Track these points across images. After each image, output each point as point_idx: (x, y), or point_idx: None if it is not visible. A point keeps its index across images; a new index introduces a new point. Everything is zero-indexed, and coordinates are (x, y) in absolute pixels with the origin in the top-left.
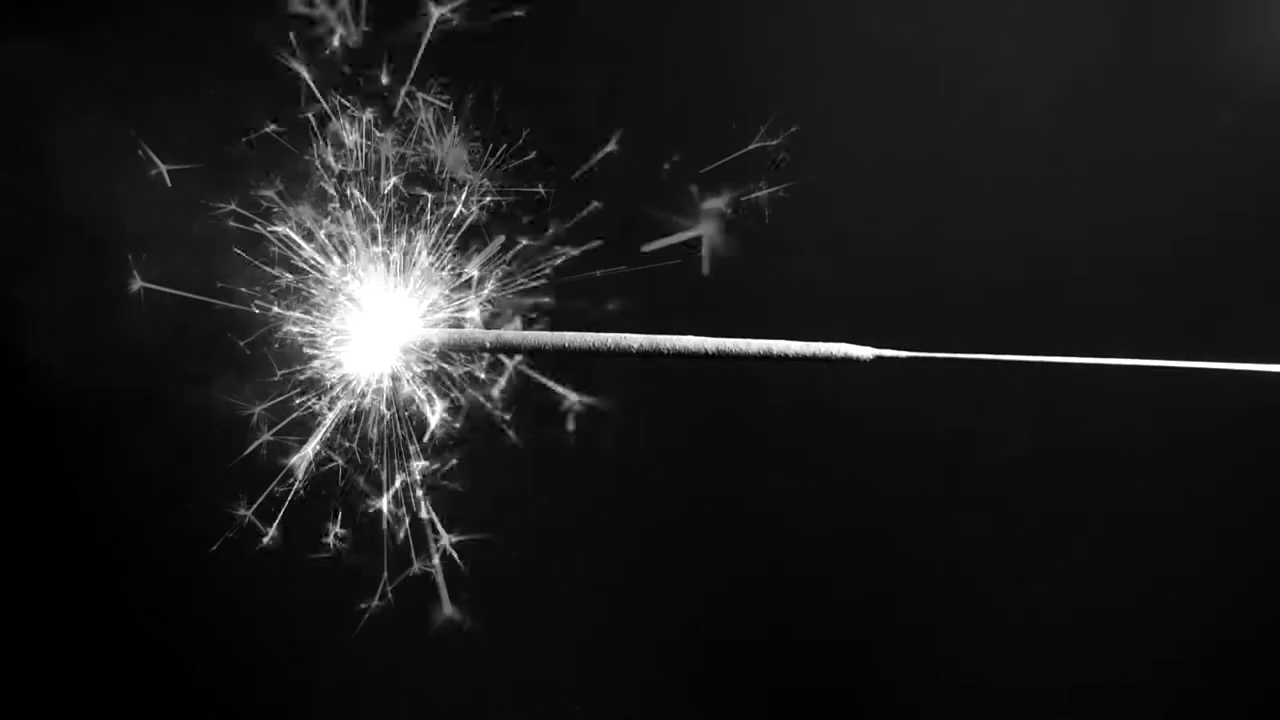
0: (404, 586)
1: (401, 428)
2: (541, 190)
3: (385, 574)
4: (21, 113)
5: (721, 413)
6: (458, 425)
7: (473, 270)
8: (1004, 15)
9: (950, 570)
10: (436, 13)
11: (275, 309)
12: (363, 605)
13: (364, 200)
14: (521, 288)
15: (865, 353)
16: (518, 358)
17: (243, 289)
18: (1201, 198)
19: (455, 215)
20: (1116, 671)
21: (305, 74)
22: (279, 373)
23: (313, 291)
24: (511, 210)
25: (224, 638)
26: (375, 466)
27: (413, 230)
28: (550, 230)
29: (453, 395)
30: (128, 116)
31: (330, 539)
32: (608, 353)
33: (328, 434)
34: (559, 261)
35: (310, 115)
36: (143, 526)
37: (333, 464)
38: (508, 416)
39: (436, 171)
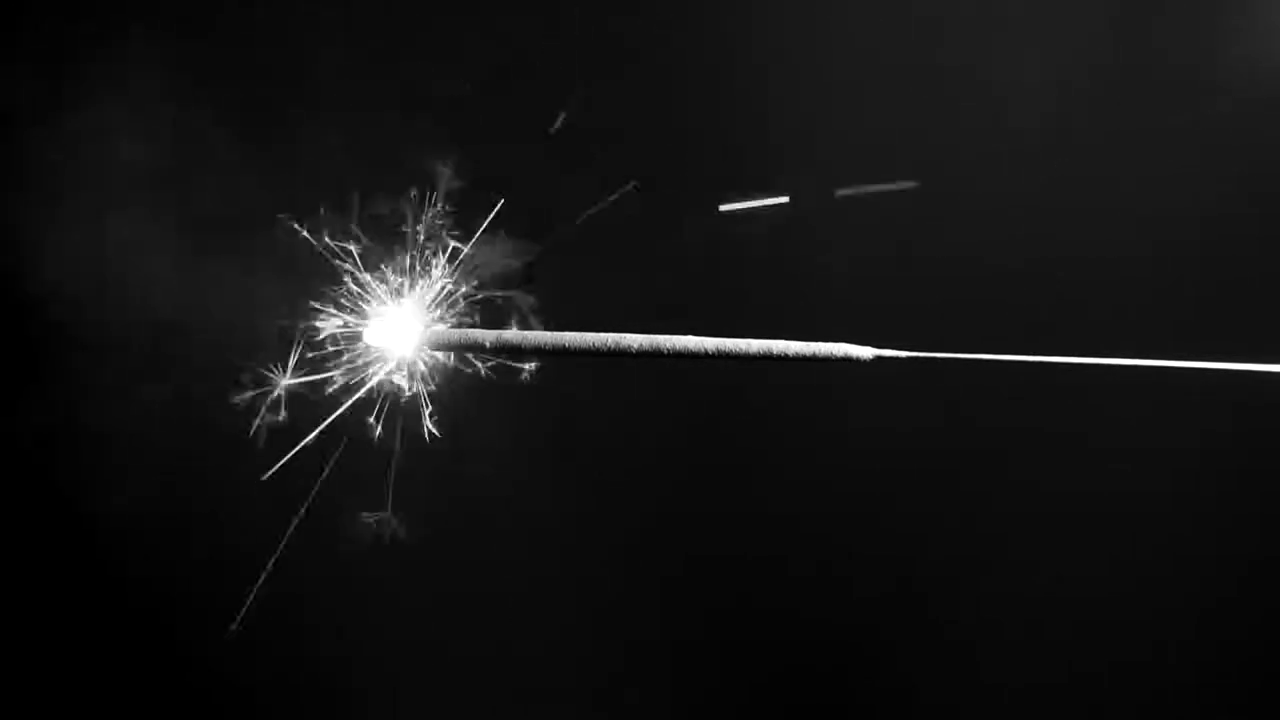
0: None
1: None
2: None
3: None
4: None
5: (722, 412)
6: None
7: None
8: (1003, 17)
9: (951, 568)
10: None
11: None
12: None
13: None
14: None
15: (865, 353)
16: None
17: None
18: (1201, 198)
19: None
20: (1115, 667)
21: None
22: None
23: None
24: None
25: None
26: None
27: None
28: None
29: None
30: None
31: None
32: (608, 352)
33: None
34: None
35: None
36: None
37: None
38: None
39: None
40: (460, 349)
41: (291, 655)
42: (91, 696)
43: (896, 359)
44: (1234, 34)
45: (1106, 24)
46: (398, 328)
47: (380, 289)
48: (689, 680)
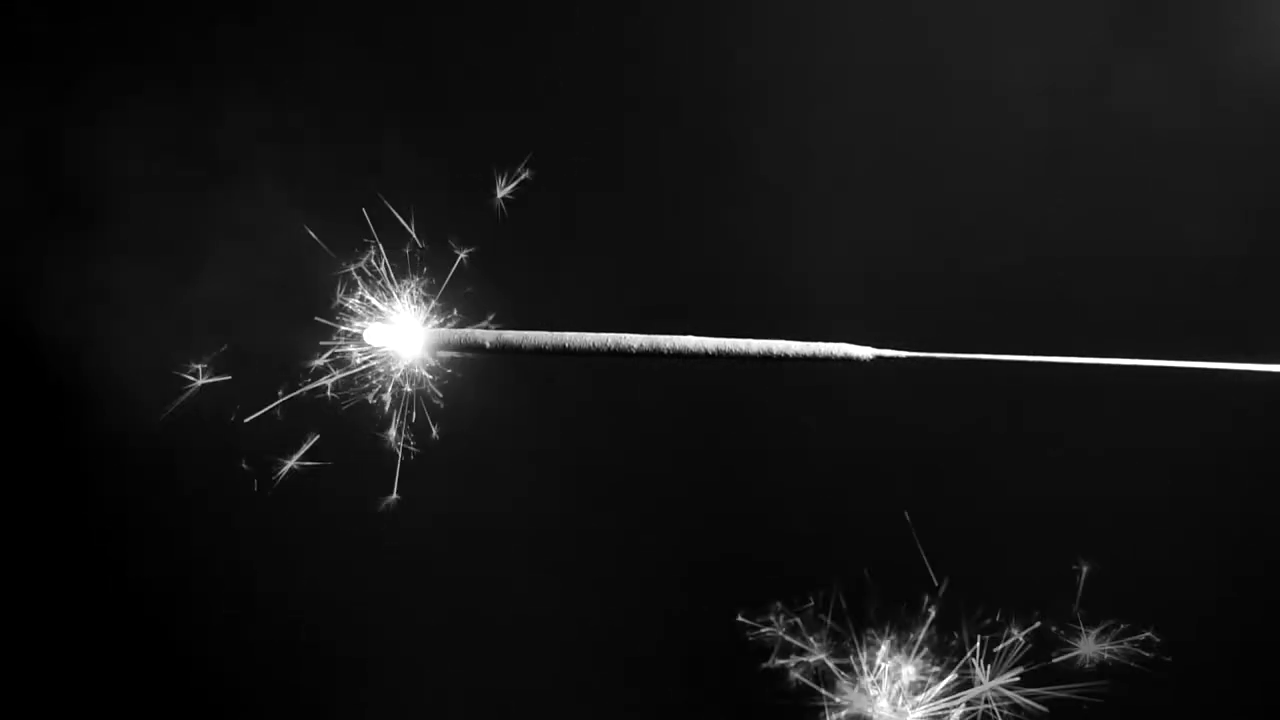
0: None
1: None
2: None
3: None
4: None
5: (721, 412)
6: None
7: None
8: (1002, 18)
9: (950, 569)
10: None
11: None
12: None
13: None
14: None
15: (865, 353)
16: None
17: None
18: (1202, 198)
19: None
20: (1115, 667)
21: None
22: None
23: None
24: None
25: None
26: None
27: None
28: None
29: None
30: None
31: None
32: (608, 353)
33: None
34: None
35: None
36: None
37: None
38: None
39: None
40: (460, 349)
41: (290, 658)
42: (92, 696)
43: (896, 359)
44: (1234, 34)
45: (1106, 24)
46: (398, 328)
47: (381, 290)
48: (686, 680)
